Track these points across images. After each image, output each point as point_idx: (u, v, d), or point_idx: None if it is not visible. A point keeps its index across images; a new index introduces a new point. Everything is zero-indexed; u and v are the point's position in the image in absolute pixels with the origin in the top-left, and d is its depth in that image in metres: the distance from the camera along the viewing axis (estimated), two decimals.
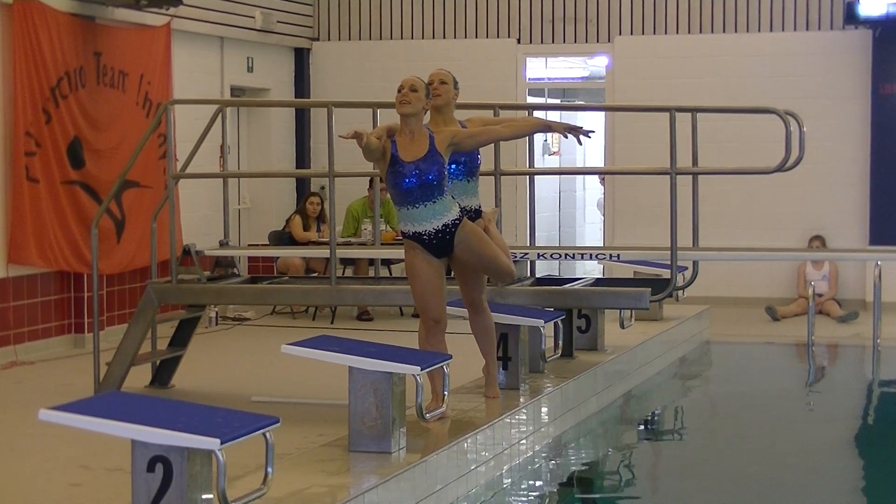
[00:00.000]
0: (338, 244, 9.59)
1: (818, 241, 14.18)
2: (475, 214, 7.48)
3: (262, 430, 5.16)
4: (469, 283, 7.33)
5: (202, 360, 10.30)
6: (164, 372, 9.34)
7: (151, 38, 12.29)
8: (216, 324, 12.57)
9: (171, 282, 9.03)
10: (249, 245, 13.85)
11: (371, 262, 12.17)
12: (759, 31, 14.63)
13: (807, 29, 14.53)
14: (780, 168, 8.81)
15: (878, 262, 11.77)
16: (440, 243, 6.98)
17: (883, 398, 10.45)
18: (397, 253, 11.71)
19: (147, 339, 9.05)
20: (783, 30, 14.58)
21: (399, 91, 6.96)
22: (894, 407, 10.24)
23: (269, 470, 5.20)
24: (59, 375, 9.99)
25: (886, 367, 11.48)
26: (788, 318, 13.68)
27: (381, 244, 11.08)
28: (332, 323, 12.77)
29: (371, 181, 13.00)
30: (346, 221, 13.80)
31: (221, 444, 4.87)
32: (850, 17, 13.96)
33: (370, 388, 6.34)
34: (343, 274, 12.88)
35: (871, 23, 13.94)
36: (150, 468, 4.97)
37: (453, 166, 7.31)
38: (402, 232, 7.10)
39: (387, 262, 12.78)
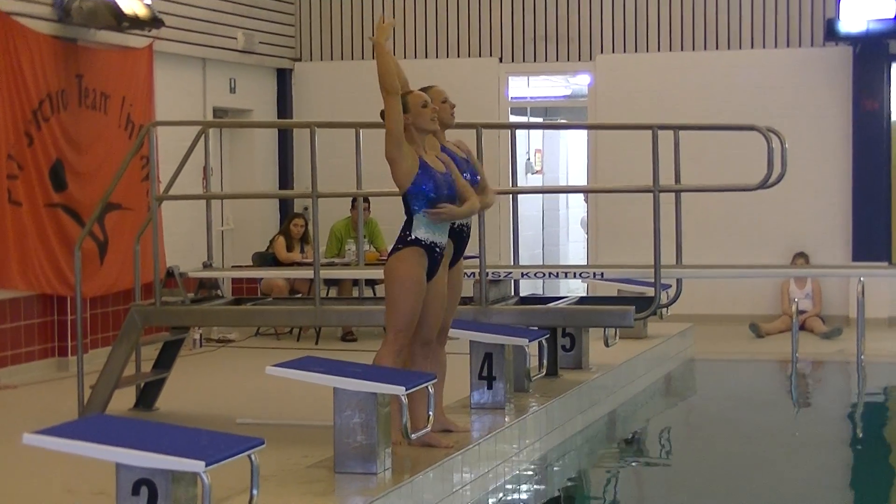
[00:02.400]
0: (321, 265, 9.62)
1: (801, 258, 14.27)
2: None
3: (247, 452, 5.18)
4: (448, 309, 7.21)
5: (186, 382, 10.30)
6: (148, 394, 9.34)
7: (133, 59, 12.33)
8: (200, 346, 12.57)
9: (155, 304, 9.02)
10: (233, 266, 13.85)
11: (355, 282, 12.22)
12: (740, 48, 14.76)
13: (787, 46, 14.65)
14: (763, 185, 8.87)
15: (861, 279, 11.80)
16: (442, 261, 6.92)
17: (868, 413, 10.49)
18: (381, 273, 11.76)
19: (131, 361, 9.04)
20: (764, 47, 14.71)
21: (425, 106, 6.86)
22: (879, 422, 10.30)
23: (255, 492, 5.23)
24: (42, 399, 9.98)
25: (871, 382, 11.51)
26: (772, 334, 13.76)
27: (365, 264, 11.10)
28: (316, 344, 12.80)
29: (354, 202, 13.02)
30: (329, 242, 13.84)
31: (206, 466, 4.91)
32: (831, 34, 14.07)
33: (355, 408, 6.35)
34: (327, 294, 12.87)
35: (852, 39, 14.06)
36: (135, 491, 4.99)
37: None
38: (415, 238, 6.80)
39: (371, 283, 12.83)
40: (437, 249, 6.85)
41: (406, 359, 6.97)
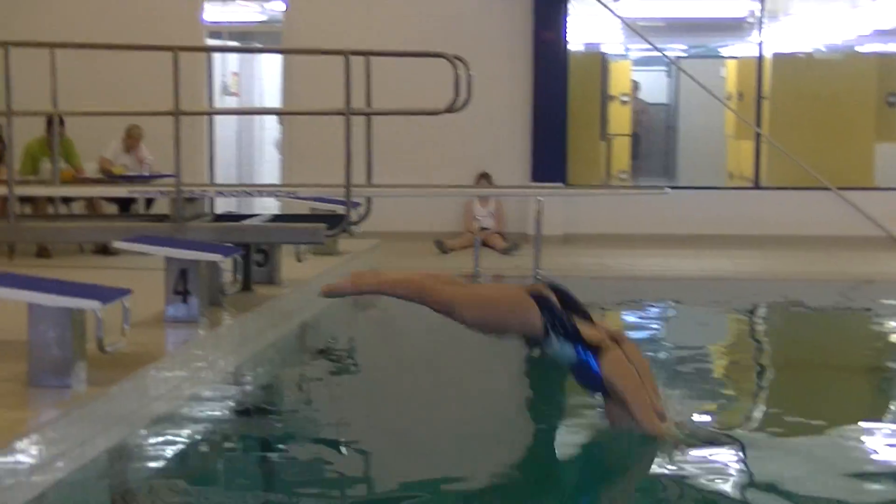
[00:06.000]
0: (16, 183, 9.48)
1: (484, 179, 14.87)
2: None
3: None
4: None
5: None
6: None
7: None
8: None
9: None
10: None
11: (50, 200, 12.09)
12: None
13: None
14: (449, 109, 9.18)
15: (539, 199, 12.57)
16: None
17: None
18: (76, 191, 11.69)
19: None
20: None
21: None
22: None
23: None
24: None
25: None
26: (456, 250, 14.25)
27: (61, 183, 11.02)
28: (10, 260, 12.42)
29: (49, 120, 12.84)
30: (24, 160, 13.52)
31: None
32: None
33: (50, 323, 6.34)
34: (22, 212, 12.65)
35: None
36: None
37: None
38: None
39: (66, 200, 12.69)
40: None
41: None
